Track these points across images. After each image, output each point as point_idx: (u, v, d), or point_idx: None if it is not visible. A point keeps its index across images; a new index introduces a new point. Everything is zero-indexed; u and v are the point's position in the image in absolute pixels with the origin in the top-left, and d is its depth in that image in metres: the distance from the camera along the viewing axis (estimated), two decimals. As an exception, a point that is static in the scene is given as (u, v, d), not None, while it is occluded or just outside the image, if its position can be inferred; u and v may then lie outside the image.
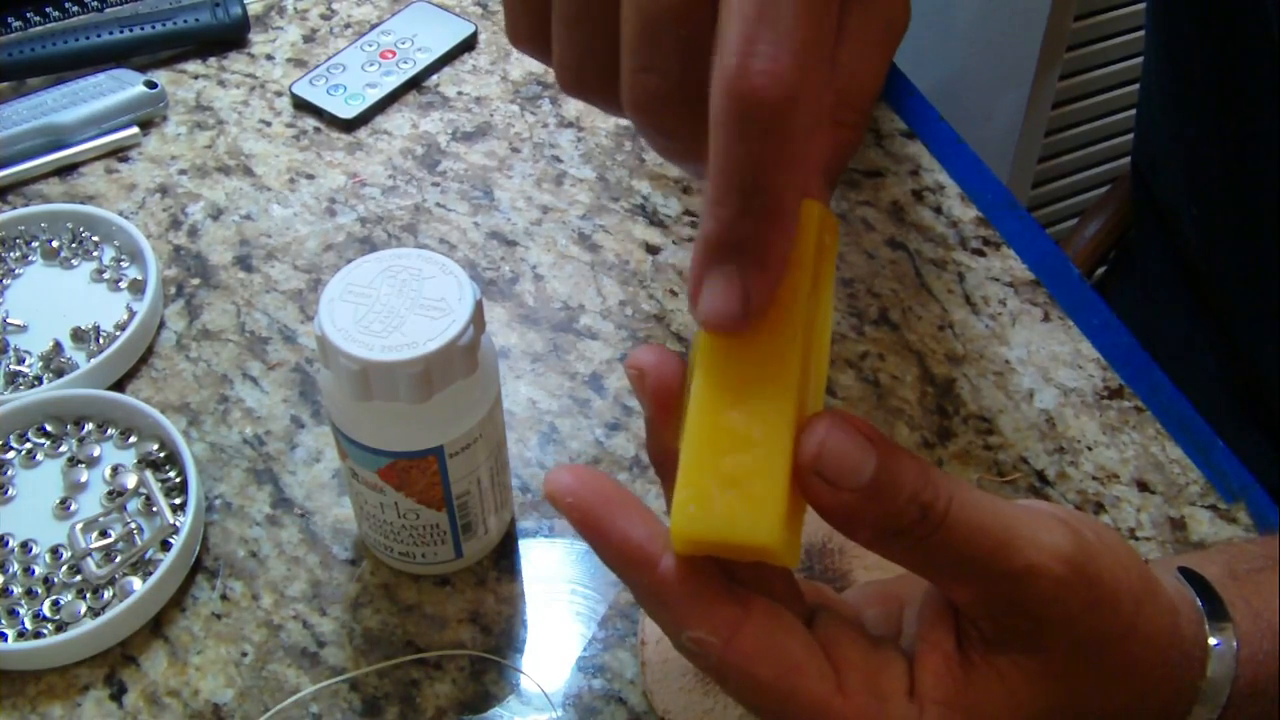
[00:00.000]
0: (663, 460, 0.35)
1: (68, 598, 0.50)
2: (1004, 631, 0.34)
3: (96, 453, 0.55)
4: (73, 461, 0.54)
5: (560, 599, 0.52)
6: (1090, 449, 0.57)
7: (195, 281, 0.63)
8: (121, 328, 0.59)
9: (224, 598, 0.52)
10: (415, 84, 0.73)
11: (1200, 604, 0.37)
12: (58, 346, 0.58)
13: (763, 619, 0.33)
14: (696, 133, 0.30)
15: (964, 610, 0.35)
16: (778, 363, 0.31)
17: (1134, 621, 0.35)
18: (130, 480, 0.53)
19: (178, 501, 0.53)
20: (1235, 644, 0.37)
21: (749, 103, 0.28)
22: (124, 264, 0.63)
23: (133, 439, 0.55)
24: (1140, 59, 1.05)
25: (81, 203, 0.66)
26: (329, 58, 0.74)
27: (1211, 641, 0.37)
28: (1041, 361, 0.60)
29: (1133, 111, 1.17)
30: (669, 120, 0.32)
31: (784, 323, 0.31)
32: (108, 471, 0.54)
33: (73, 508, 0.53)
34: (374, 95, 0.71)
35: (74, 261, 0.63)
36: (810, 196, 0.32)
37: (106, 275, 0.62)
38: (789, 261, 0.31)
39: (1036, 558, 0.32)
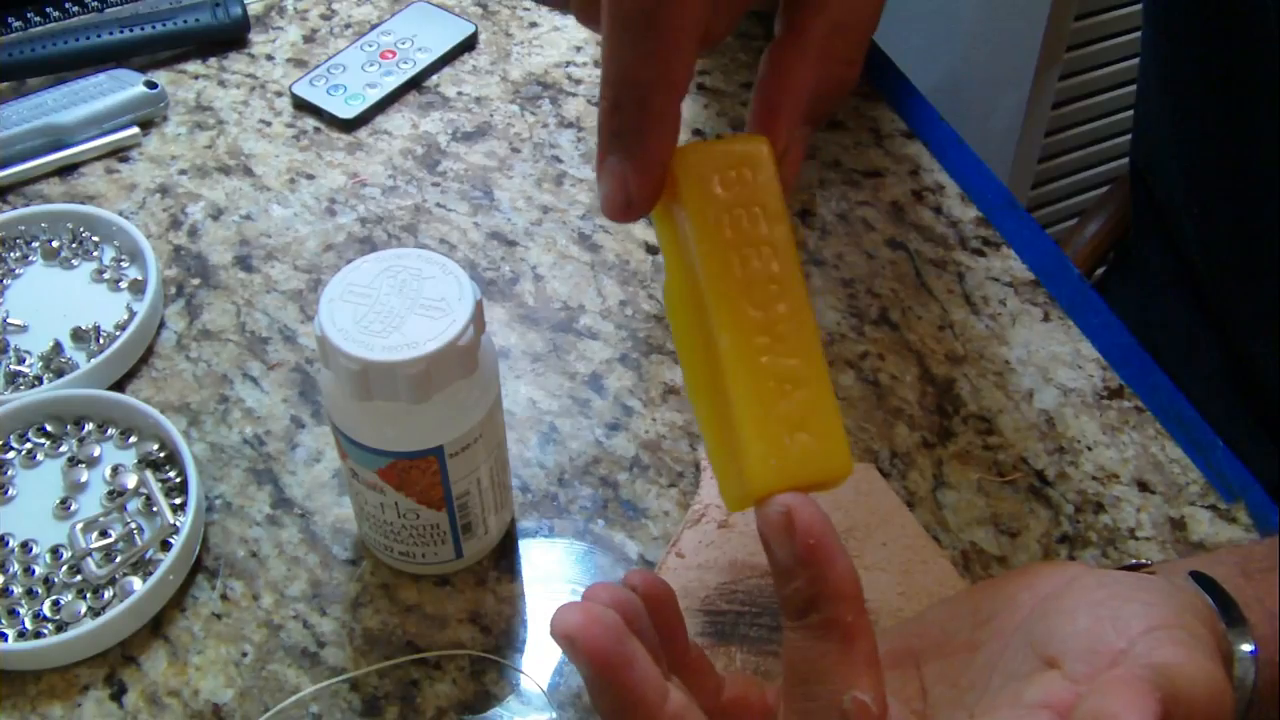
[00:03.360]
0: (611, 712, 0.34)
1: (68, 598, 0.50)
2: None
3: (96, 453, 0.55)
4: (73, 461, 0.54)
5: (560, 599, 0.52)
6: (1090, 449, 0.57)
7: (195, 281, 0.63)
8: (121, 328, 0.59)
9: (224, 598, 0.52)
10: (415, 84, 0.73)
11: (1217, 610, 0.37)
12: (58, 346, 0.58)
13: (899, 706, 0.33)
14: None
15: None
16: (789, 298, 0.32)
17: None
18: (130, 480, 0.53)
19: (178, 501, 0.53)
20: (1254, 647, 0.37)
21: (619, 7, 0.30)
22: (124, 264, 0.63)
23: (133, 439, 0.55)
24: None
25: (82, 203, 0.66)
26: (329, 58, 0.74)
27: (1243, 647, 0.37)
28: (1041, 361, 0.60)
29: (1133, 111, 1.17)
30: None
31: (780, 262, 0.32)
32: (108, 471, 0.54)
33: (73, 508, 0.53)
34: (374, 95, 0.71)
35: (74, 261, 0.63)
36: (788, 126, 0.32)
37: (106, 275, 0.62)
38: (760, 197, 0.32)
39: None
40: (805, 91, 0.34)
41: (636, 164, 0.32)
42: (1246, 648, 0.36)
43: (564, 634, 0.33)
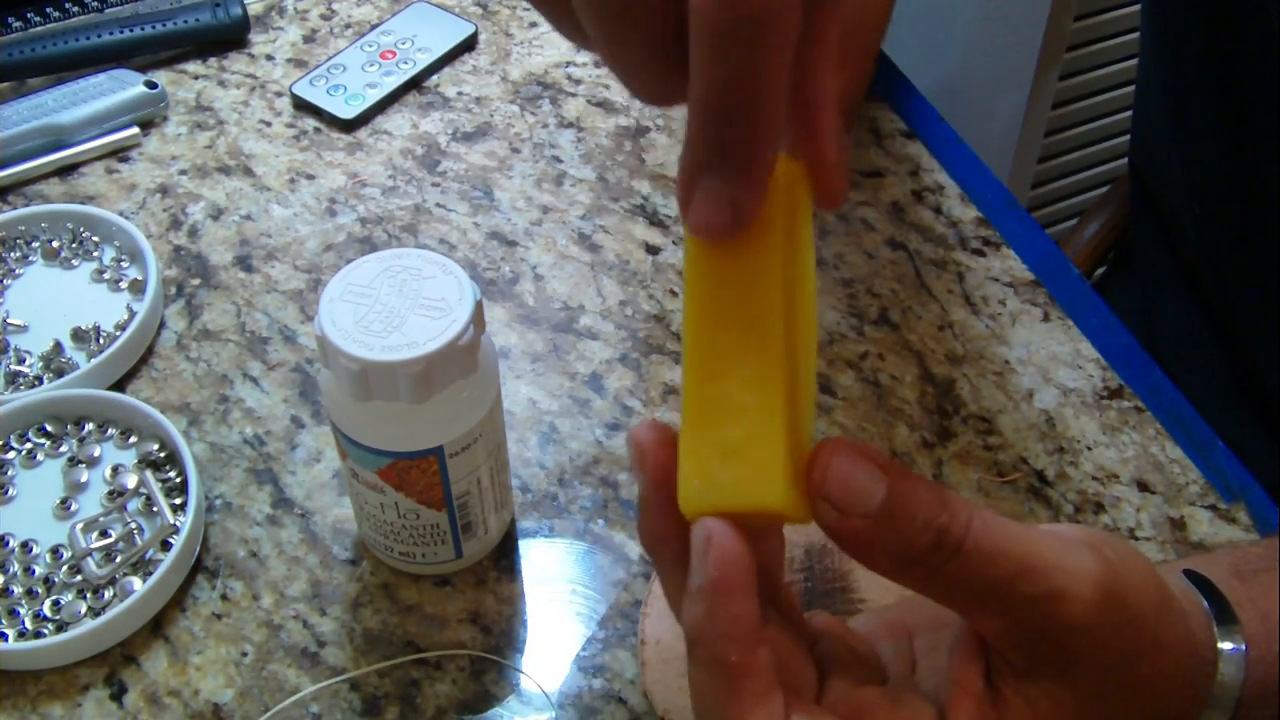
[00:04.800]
0: (653, 543, 0.35)
1: (68, 598, 0.50)
2: (1034, 661, 0.34)
3: (97, 453, 0.55)
4: (73, 461, 0.54)
5: (560, 599, 0.52)
6: (1090, 449, 0.57)
7: (195, 281, 0.63)
8: (121, 328, 0.59)
9: (224, 598, 0.52)
10: (415, 84, 0.73)
11: (1208, 607, 0.37)
12: (58, 346, 0.58)
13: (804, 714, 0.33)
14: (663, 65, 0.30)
15: (993, 643, 0.34)
16: (761, 326, 0.31)
17: (1156, 634, 0.34)
18: (130, 480, 0.53)
19: (178, 501, 0.53)
20: (1244, 646, 0.37)
21: (730, 11, 0.28)
22: (124, 264, 0.63)
23: (133, 439, 0.55)
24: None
25: (82, 203, 0.66)
26: (329, 58, 0.74)
27: (1223, 645, 0.37)
28: (1041, 361, 0.60)
29: (1132, 110, 1.17)
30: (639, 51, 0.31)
31: (762, 285, 0.31)
32: (108, 471, 0.54)
33: (73, 508, 0.53)
34: (374, 95, 0.71)
35: (74, 261, 0.63)
36: (831, 133, 0.31)
37: (107, 275, 0.62)
38: (763, 214, 0.31)
39: (1064, 582, 0.32)
40: (835, 93, 0.33)
41: (747, 180, 0.30)
42: (1235, 646, 0.37)
43: (708, 533, 0.31)
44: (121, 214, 0.65)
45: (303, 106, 0.72)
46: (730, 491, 0.31)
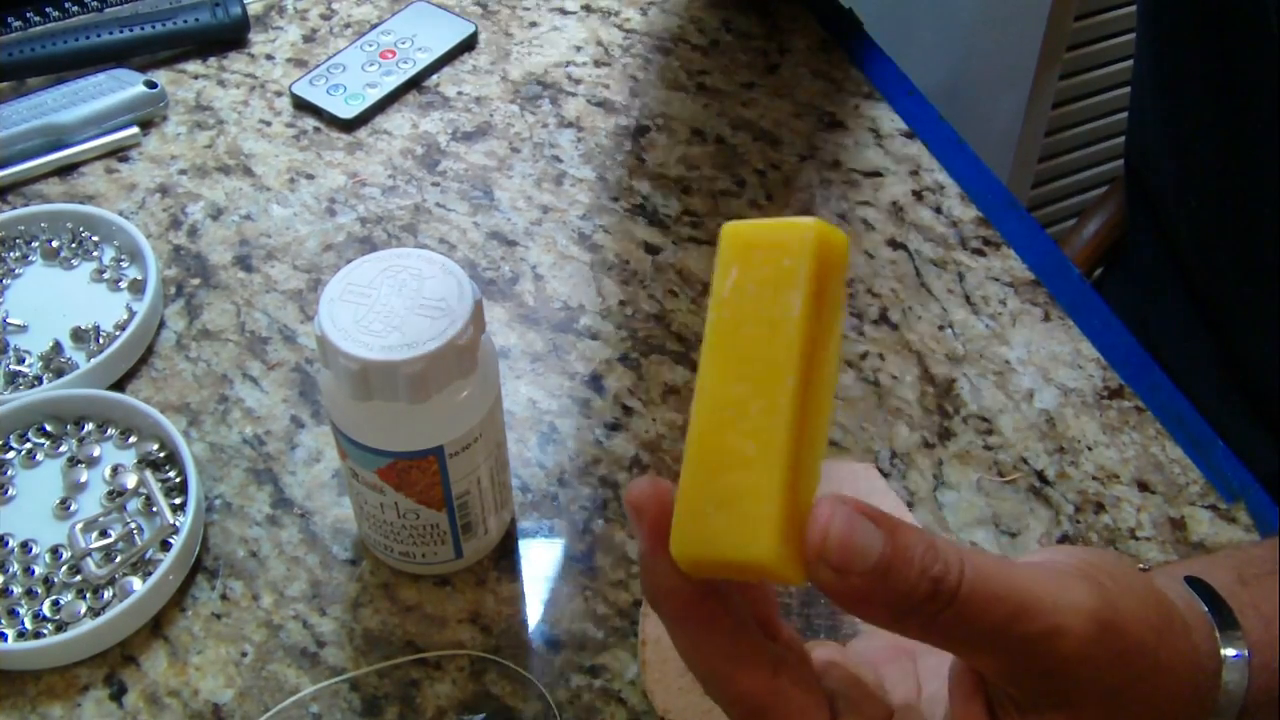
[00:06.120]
0: (657, 599, 0.35)
1: (68, 598, 0.50)
2: (1035, 695, 0.34)
3: (96, 453, 0.55)
4: (73, 461, 0.54)
5: (560, 599, 0.52)
6: (1090, 449, 0.57)
7: (195, 281, 0.63)
8: (121, 328, 0.59)
9: (224, 598, 0.52)
10: (415, 84, 0.73)
11: (1210, 614, 0.37)
12: (58, 346, 0.58)
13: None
14: None
15: (992, 680, 0.34)
16: (774, 382, 0.31)
17: (1157, 656, 0.34)
18: (130, 480, 0.53)
19: (178, 501, 0.53)
20: (1247, 653, 0.37)
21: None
22: (124, 264, 0.63)
23: (133, 439, 0.55)
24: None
25: (81, 203, 0.66)
26: (329, 58, 0.74)
27: (1227, 651, 0.37)
28: (1041, 361, 0.60)
29: (1128, 110, 1.17)
30: None
31: (780, 342, 0.31)
32: (108, 471, 0.54)
33: (73, 508, 0.53)
34: (374, 95, 0.71)
35: (74, 261, 0.63)
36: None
37: (106, 275, 0.62)
38: (780, 285, 0.31)
39: (1059, 620, 0.32)
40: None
41: None
42: (1237, 653, 0.36)
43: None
44: (121, 214, 0.65)
45: (303, 106, 0.72)
46: (720, 542, 0.31)
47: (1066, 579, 0.33)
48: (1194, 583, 0.38)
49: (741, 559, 0.31)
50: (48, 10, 0.76)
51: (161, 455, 0.54)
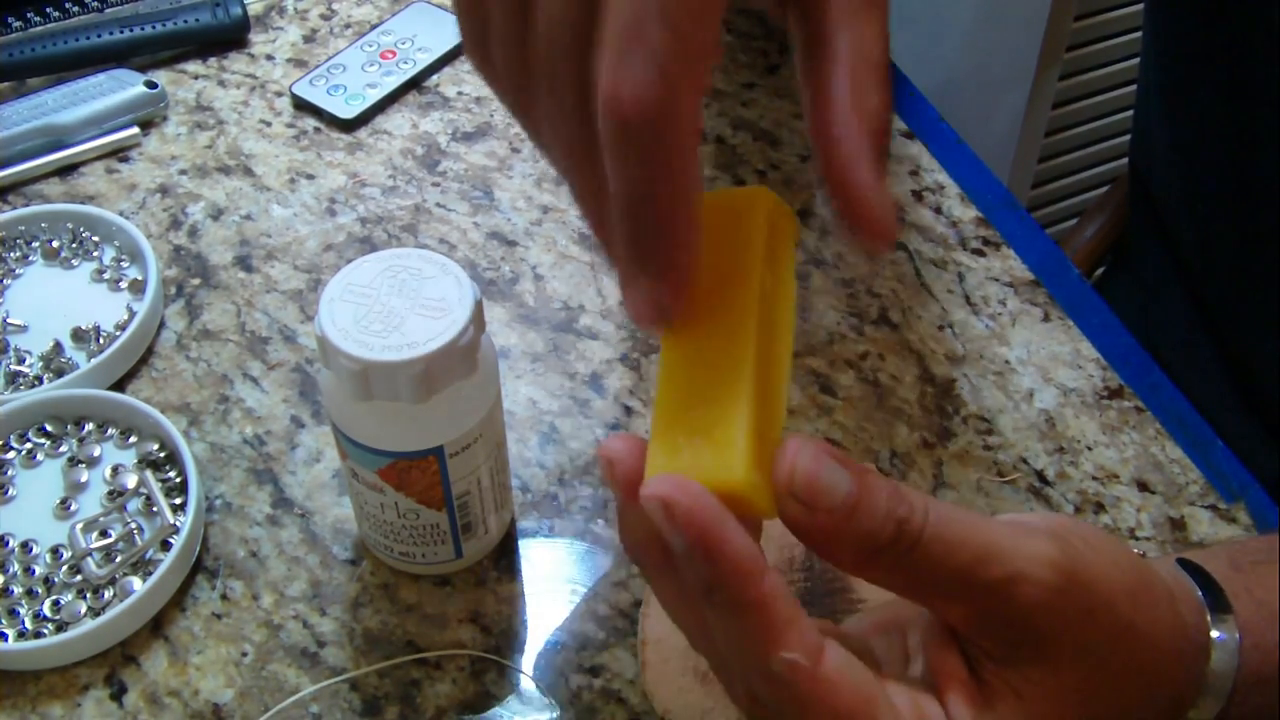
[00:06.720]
0: (636, 552, 0.35)
1: (68, 598, 0.50)
2: (1006, 646, 0.34)
3: (96, 453, 0.55)
4: (73, 461, 0.54)
5: (560, 599, 0.52)
6: (1090, 449, 0.57)
7: (195, 281, 0.63)
8: (121, 328, 0.59)
9: (224, 598, 0.52)
10: (415, 84, 0.73)
11: (1201, 595, 0.37)
12: (58, 346, 0.58)
13: (837, 646, 0.33)
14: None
15: (961, 631, 0.35)
16: (736, 330, 0.33)
17: (1133, 619, 0.35)
18: (130, 480, 0.53)
19: (178, 501, 0.53)
20: (1237, 635, 0.37)
21: (620, 126, 0.29)
22: (124, 264, 0.63)
23: (133, 439, 0.55)
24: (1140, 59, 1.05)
25: (82, 203, 0.66)
26: (329, 58, 0.74)
27: (1214, 633, 0.37)
28: (1041, 361, 0.60)
29: (1132, 113, 1.17)
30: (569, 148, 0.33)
31: (739, 294, 0.33)
32: (108, 471, 0.54)
33: (73, 508, 0.53)
34: (374, 95, 0.71)
35: (74, 261, 0.63)
36: (857, 174, 0.32)
37: (107, 275, 0.62)
38: (736, 243, 0.33)
39: (1019, 566, 0.32)
40: (860, 132, 0.33)
41: (666, 286, 0.31)
42: (1227, 634, 0.37)
43: (659, 498, 0.31)
44: (121, 214, 0.65)
45: (303, 106, 0.72)
46: (693, 470, 0.32)
47: (1032, 532, 0.34)
48: (1187, 565, 0.39)
49: (714, 484, 0.31)
50: (48, 10, 0.76)
51: (162, 455, 0.54)
